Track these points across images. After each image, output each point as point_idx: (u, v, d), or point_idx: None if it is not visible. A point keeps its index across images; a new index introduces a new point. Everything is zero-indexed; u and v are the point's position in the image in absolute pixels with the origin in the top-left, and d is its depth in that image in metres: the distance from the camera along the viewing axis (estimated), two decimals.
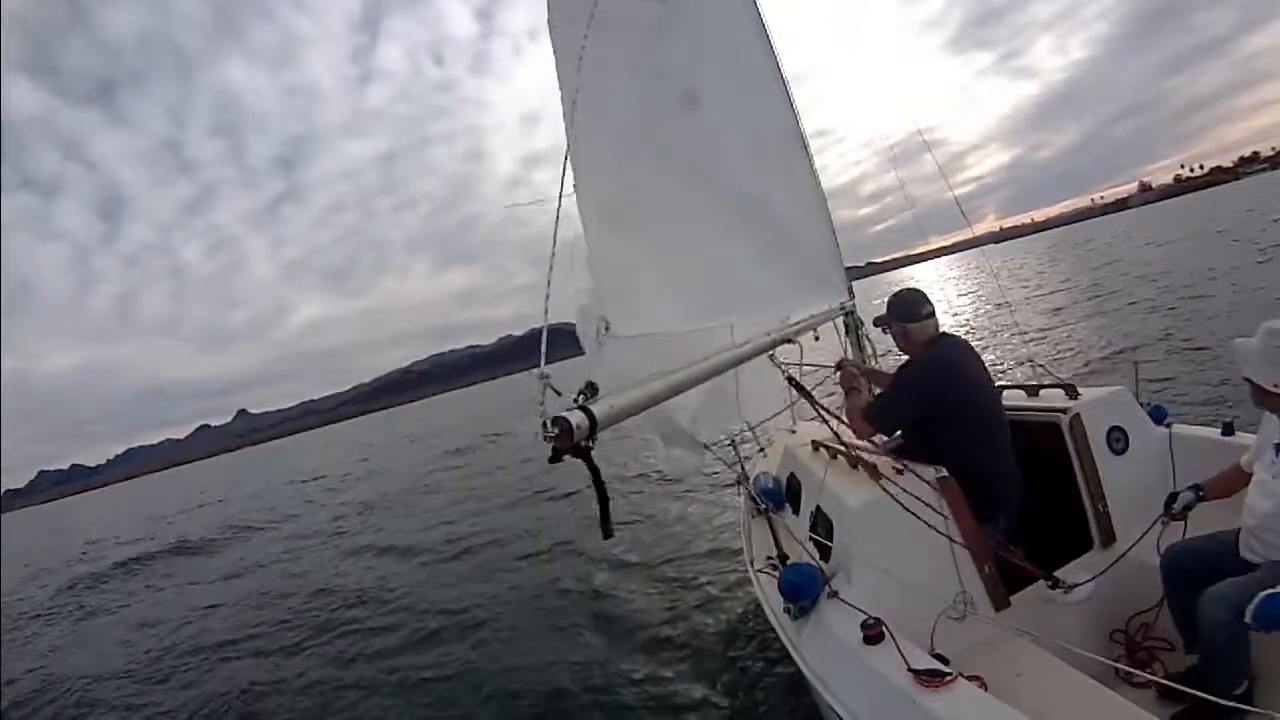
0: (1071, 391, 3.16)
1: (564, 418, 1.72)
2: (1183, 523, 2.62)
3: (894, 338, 3.15)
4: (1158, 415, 3.22)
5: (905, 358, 3.10)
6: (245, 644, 7.56)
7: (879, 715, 1.97)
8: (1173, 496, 2.63)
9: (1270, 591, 1.99)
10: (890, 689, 1.92)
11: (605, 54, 3.14)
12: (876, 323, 3.26)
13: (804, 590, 2.55)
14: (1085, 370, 9.88)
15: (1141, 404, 3.22)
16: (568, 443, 1.72)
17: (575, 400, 1.84)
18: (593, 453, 1.78)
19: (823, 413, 3.21)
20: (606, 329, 2.48)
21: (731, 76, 3.95)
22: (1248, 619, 1.99)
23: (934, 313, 3.00)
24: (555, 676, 4.95)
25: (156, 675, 7.35)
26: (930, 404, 2.81)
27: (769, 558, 3.14)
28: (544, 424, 1.71)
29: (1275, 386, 2.22)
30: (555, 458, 1.75)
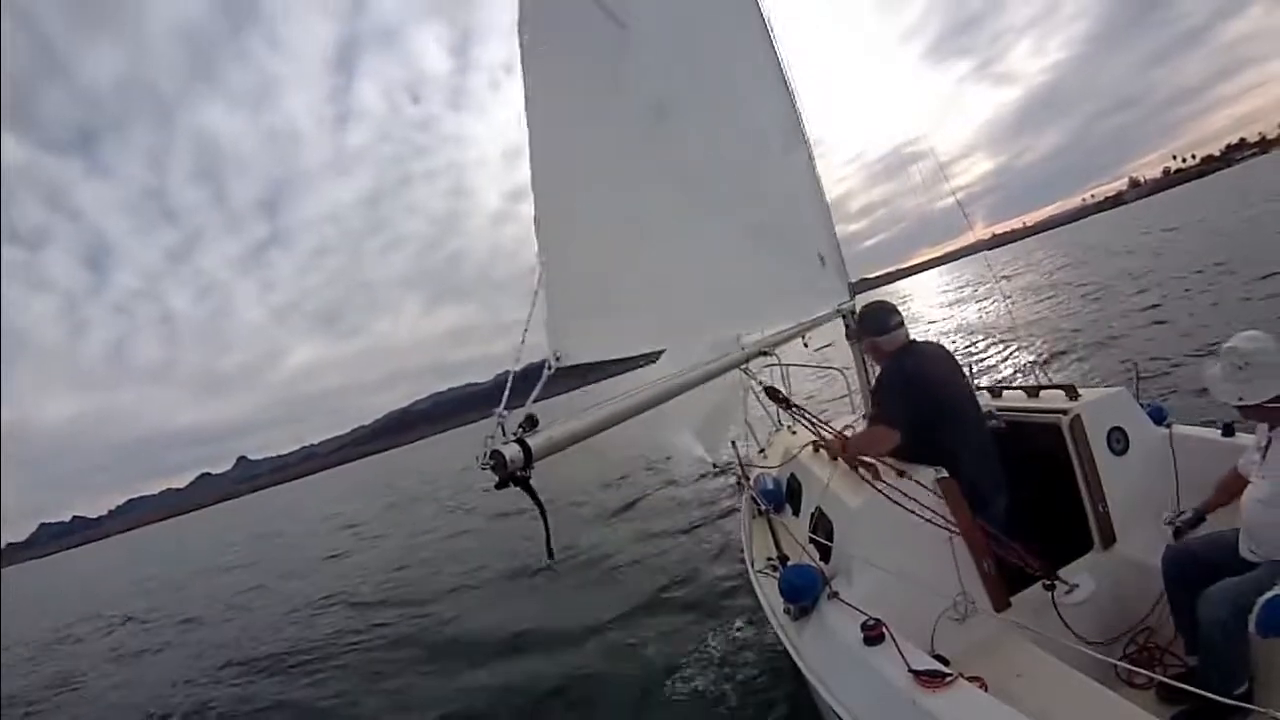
0: (1071, 392, 3.16)
1: (499, 451, 1.85)
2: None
3: (866, 351, 3.23)
4: (1158, 416, 3.22)
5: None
6: None
7: (879, 716, 1.97)
8: (1175, 519, 2.64)
9: (1269, 596, 1.99)
10: (890, 689, 1.91)
11: (584, 61, 3.16)
12: (848, 337, 3.29)
13: (804, 591, 2.55)
14: (1085, 370, 9.83)
15: (1141, 404, 3.22)
16: (504, 474, 1.86)
17: (514, 434, 1.96)
18: (531, 481, 1.92)
19: (805, 419, 3.22)
20: (556, 360, 2.50)
21: (733, 76, 3.98)
22: (1251, 628, 2.00)
23: (902, 323, 3.04)
24: (554, 677, 4.98)
25: None
26: (905, 400, 2.82)
27: (769, 559, 3.14)
28: (480, 457, 1.86)
29: (1240, 401, 2.25)
30: (500, 485, 1.89)
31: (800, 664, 2.47)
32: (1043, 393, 3.32)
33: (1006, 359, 12.63)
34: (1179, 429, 3.13)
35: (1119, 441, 3.02)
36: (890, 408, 2.90)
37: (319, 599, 10.99)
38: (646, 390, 2.54)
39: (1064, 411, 3.02)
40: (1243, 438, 2.88)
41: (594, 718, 4.40)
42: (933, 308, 30.65)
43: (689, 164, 3.60)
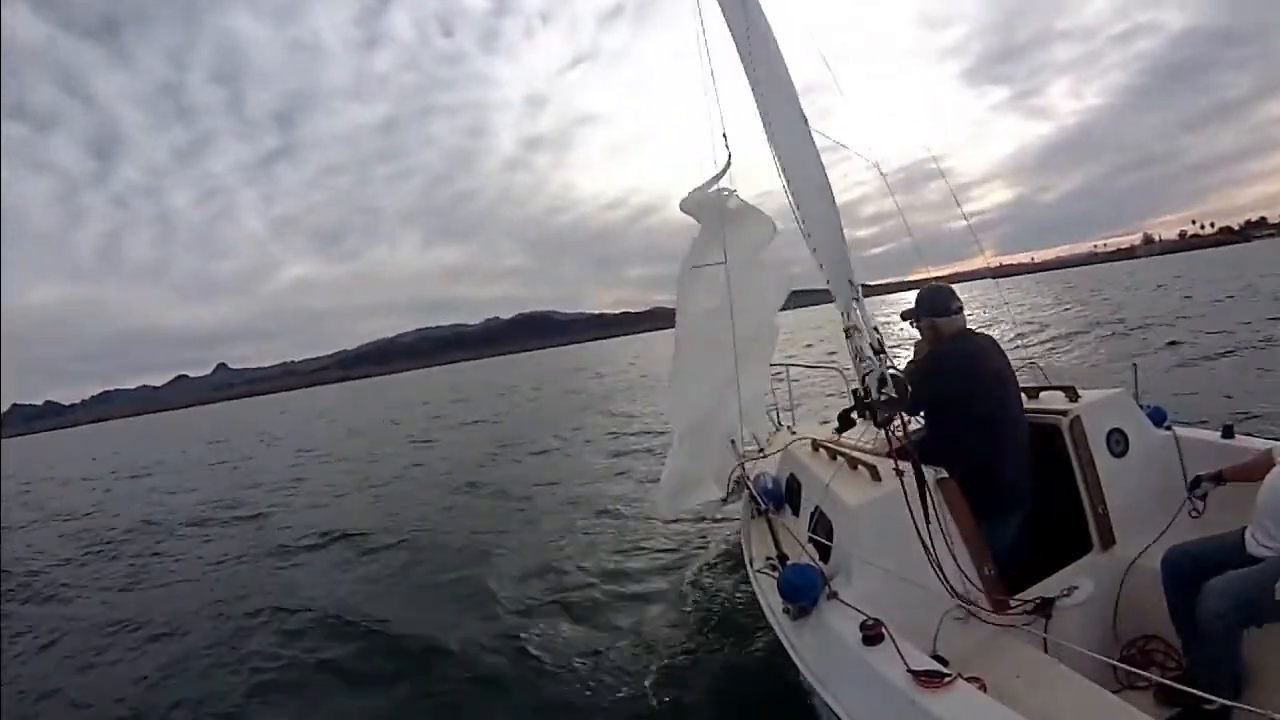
0: (1072, 394, 3.17)
1: (900, 380, 1.82)
2: (1185, 524, 2.67)
3: (921, 331, 3.17)
4: (1157, 418, 3.23)
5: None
6: None
7: (878, 716, 1.98)
8: (1197, 480, 2.72)
9: None
10: (889, 690, 1.93)
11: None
12: (904, 316, 3.28)
13: (804, 591, 2.57)
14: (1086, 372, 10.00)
15: (1141, 406, 3.23)
16: (896, 408, 1.84)
17: (877, 353, 2.01)
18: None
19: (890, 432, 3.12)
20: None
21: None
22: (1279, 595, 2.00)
23: (962, 309, 3.02)
24: (552, 677, 4.91)
25: None
26: (941, 392, 2.83)
27: (768, 558, 3.14)
28: (868, 390, 1.88)
29: None
30: (883, 423, 1.92)
31: (799, 664, 2.49)
32: (1043, 394, 3.32)
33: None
34: (1180, 431, 3.14)
35: (1119, 443, 3.02)
36: (915, 389, 2.91)
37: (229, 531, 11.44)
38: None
39: (1064, 413, 3.02)
40: (1242, 439, 2.92)
41: (590, 716, 4.35)
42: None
43: None
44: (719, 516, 7.52)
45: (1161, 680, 2.11)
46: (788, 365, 4.93)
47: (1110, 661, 2.24)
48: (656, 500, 4.54)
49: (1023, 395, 3.35)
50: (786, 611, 2.68)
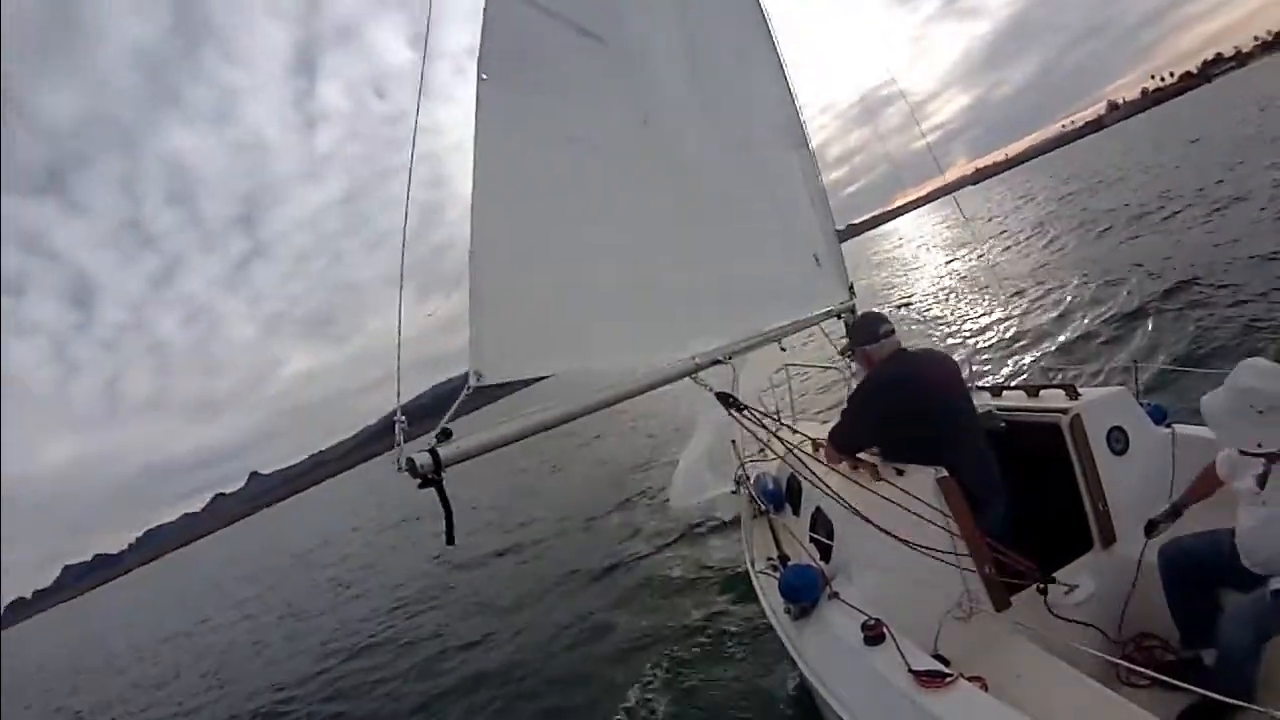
0: (1071, 392, 3.16)
1: (411, 459, 2.22)
2: (1184, 521, 2.63)
3: (859, 361, 3.23)
4: (1157, 415, 3.21)
5: None
6: None
7: (879, 716, 1.98)
8: (1151, 525, 2.66)
9: None
10: (890, 689, 1.93)
11: (553, 86, 3.15)
12: (842, 352, 3.29)
13: (804, 591, 2.57)
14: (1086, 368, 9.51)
15: (1142, 404, 3.21)
16: (417, 476, 2.24)
17: (429, 444, 2.30)
18: (444, 482, 2.29)
19: (756, 430, 3.20)
20: (478, 378, 2.61)
21: (727, 77, 3.95)
22: None
23: (893, 331, 3.03)
24: (553, 677, 5.00)
25: None
26: (882, 412, 2.85)
27: (769, 559, 3.15)
28: (398, 462, 2.24)
29: (1259, 447, 2.08)
30: (422, 485, 2.26)
31: (800, 664, 2.49)
32: (1043, 392, 3.31)
33: (1006, 355, 12.01)
34: (1180, 429, 3.12)
35: (1119, 441, 3.01)
36: (852, 424, 2.95)
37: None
38: (562, 407, 2.72)
39: (1064, 411, 3.01)
40: None
41: (591, 716, 4.40)
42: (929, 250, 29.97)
43: (672, 173, 3.59)
44: (719, 517, 7.50)
45: (1163, 677, 2.10)
46: (787, 365, 4.90)
47: (1112, 659, 2.25)
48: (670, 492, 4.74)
49: (1021, 393, 3.39)
50: (788, 612, 2.68)
